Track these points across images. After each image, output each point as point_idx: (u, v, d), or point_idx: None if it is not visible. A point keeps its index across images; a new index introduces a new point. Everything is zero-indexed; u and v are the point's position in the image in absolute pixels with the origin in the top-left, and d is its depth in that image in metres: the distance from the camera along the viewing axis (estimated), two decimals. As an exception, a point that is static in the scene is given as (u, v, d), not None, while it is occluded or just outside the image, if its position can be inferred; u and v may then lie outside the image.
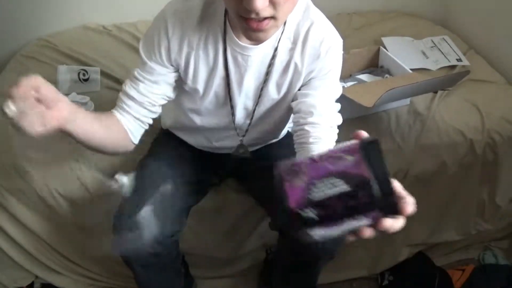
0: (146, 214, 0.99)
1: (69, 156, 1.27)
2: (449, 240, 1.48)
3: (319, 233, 0.48)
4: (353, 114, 1.39)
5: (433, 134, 1.37)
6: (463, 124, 1.40)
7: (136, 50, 1.47)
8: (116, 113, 0.93)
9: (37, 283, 1.40)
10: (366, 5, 2.07)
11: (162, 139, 1.20)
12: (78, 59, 1.63)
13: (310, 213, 0.47)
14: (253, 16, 0.73)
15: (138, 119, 0.94)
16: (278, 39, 0.90)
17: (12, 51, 1.77)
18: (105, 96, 1.49)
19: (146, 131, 0.98)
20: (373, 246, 1.44)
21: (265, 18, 0.74)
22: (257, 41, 0.84)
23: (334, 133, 0.93)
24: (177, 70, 0.95)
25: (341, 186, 0.46)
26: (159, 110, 0.98)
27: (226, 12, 0.88)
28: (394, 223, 0.50)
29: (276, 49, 0.91)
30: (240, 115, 1.01)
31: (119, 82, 1.54)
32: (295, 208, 0.47)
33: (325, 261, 1.07)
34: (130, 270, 1.06)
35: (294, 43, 0.91)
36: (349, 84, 1.49)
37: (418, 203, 1.55)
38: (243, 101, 0.98)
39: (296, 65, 0.92)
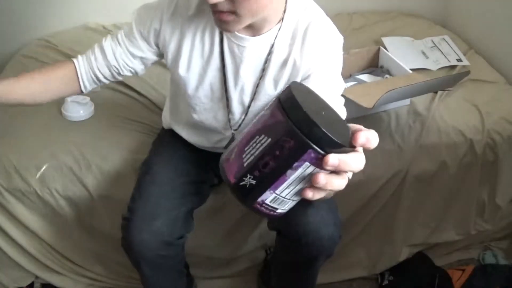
0: (157, 217, 0.99)
1: (69, 156, 1.27)
2: (449, 240, 1.48)
3: (269, 197, 0.46)
4: (353, 115, 1.39)
5: (433, 134, 1.37)
6: (463, 124, 1.40)
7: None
8: (78, 60, 0.96)
9: (37, 283, 1.40)
10: (366, 5, 2.07)
11: (164, 140, 1.20)
12: (78, 59, 1.63)
13: (248, 179, 0.45)
14: (212, 8, 0.76)
15: (96, 75, 0.97)
16: (275, 36, 0.90)
17: (12, 51, 1.77)
18: (105, 96, 1.49)
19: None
20: (373, 246, 1.45)
21: (224, 12, 0.77)
22: (224, 31, 0.86)
23: None
24: (159, 54, 0.97)
25: (265, 141, 0.44)
26: (120, 78, 1.01)
27: None
28: (346, 159, 0.43)
29: (272, 45, 0.91)
30: (236, 110, 1.00)
31: (119, 82, 1.54)
32: (235, 182, 0.46)
33: (322, 260, 1.07)
34: (131, 271, 1.06)
35: (293, 39, 0.91)
36: (349, 84, 1.49)
37: (418, 203, 1.54)
38: (239, 95, 0.97)
39: (295, 61, 0.92)
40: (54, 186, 1.24)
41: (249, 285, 1.43)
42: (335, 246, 1.00)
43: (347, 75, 1.56)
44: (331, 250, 1.01)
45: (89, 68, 0.97)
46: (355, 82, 1.50)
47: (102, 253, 1.35)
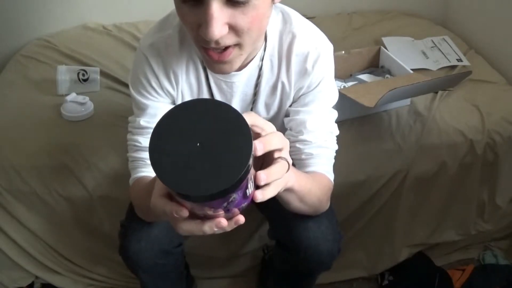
0: (154, 225, 0.98)
1: (68, 156, 1.27)
2: (449, 240, 1.48)
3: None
4: (353, 114, 1.39)
5: (434, 134, 1.37)
6: (463, 124, 1.40)
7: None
8: (144, 175, 0.86)
9: (37, 283, 1.40)
10: (366, 5, 2.07)
11: None
12: (78, 59, 1.63)
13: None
14: (212, 45, 0.67)
15: None
16: (261, 58, 0.85)
17: (12, 51, 1.76)
18: (105, 96, 1.49)
19: None
20: (373, 246, 1.44)
21: (228, 47, 0.69)
22: (222, 73, 0.78)
23: (329, 147, 0.88)
24: (174, 102, 0.91)
25: None
26: None
27: None
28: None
29: (261, 69, 0.86)
30: None
31: (119, 82, 1.54)
32: None
33: (319, 273, 1.07)
34: (133, 273, 1.06)
35: (280, 59, 0.86)
36: (350, 84, 1.49)
37: (418, 203, 1.53)
38: None
39: (283, 84, 0.88)
40: (53, 186, 1.24)
41: (249, 285, 1.43)
42: (333, 261, 0.98)
43: (347, 75, 1.56)
44: (329, 264, 0.99)
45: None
46: (355, 82, 1.50)
47: (102, 253, 1.35)
